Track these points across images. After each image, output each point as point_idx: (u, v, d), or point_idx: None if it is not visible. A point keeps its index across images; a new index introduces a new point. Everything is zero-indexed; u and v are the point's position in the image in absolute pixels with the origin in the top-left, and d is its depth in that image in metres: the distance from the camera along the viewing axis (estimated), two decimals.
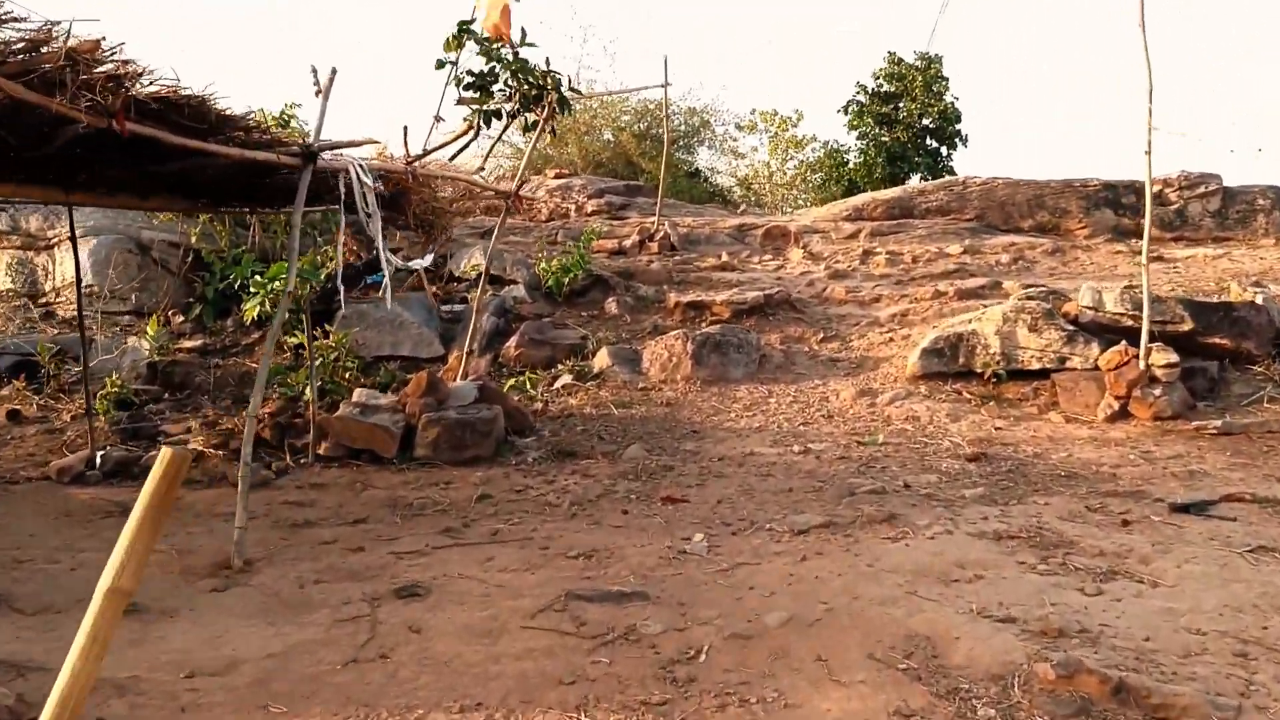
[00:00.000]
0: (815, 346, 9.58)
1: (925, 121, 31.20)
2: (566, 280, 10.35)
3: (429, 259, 6.48)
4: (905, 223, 13.52)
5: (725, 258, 12.42)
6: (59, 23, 3.50)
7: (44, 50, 3.43)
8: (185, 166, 4.96)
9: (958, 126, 31.15)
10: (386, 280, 5.88)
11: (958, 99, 31.09)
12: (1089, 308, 8.38)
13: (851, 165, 31.32)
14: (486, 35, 7.89)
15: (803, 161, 34.81)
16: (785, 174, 35.31)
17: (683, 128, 31.07)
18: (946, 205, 13.62)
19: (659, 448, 7.04)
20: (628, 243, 13.11)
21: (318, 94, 5.37)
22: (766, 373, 8.95)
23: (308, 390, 8.17)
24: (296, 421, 7.09)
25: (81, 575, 4.60)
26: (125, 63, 3.70)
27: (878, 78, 31.70)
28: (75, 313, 10.74)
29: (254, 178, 5.53)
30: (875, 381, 8.61)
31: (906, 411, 7.87)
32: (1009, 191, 13.56)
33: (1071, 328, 8.35)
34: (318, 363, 8.37)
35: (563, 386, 8.59)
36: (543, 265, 10.48)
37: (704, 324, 9.91)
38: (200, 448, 6.86)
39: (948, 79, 31.12)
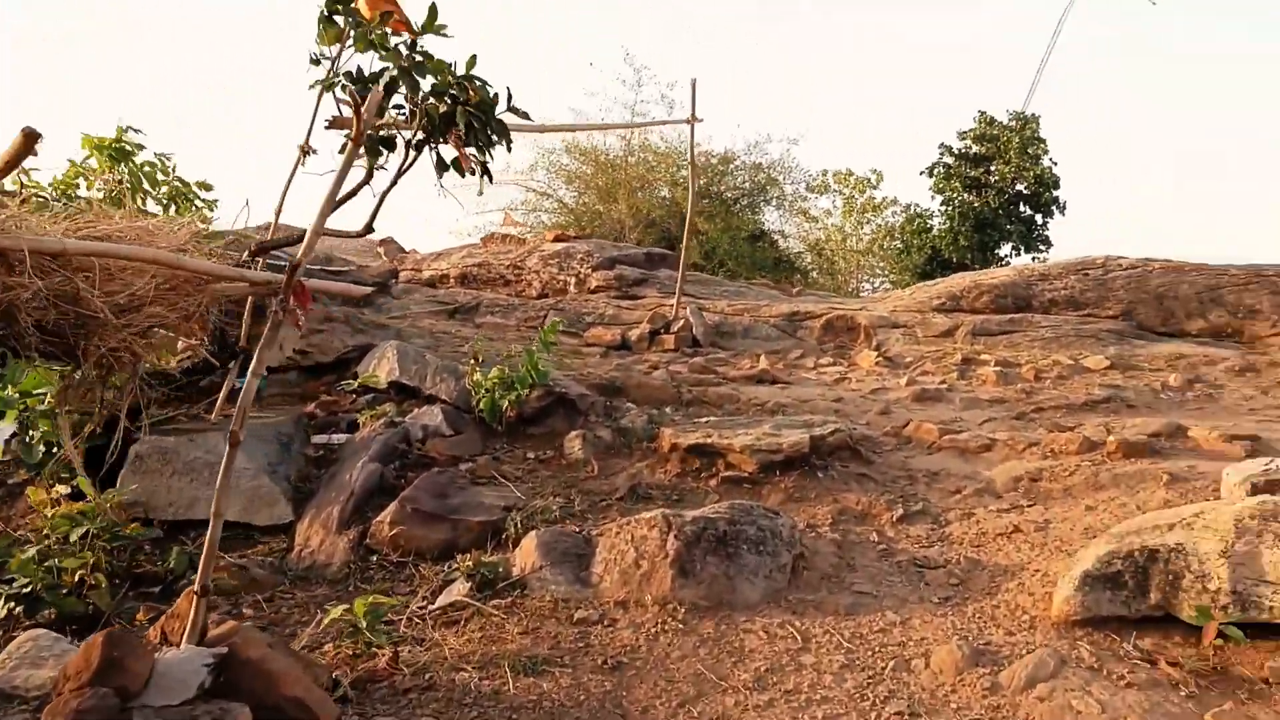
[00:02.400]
0: (890, 532, 5.86)
1: (1019, 186, 27.60)
2: (508, 401, 6.80)
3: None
4: (1021, 319, 9.77)
5: (764, 363, 8.79)
6: None
7: None
8: None
9: (1055, 193, 27.54)
10: None
11: (1056, 163, 27.54)
12: None
13: (935, 231, 27.76)
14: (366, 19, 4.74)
15: (880, 226, 31.30)
16: (861, 239, 31.76)
17: (747, 185, 27.82)
18: (1079, 295, 9.87)
19: None
20: (634, 334, 9.58)
21: None
22: (804, 589, 5.24)
23: None
24: None
25: None
26: None
27: (965, 138, 28.24)
28: None
29: None
30: (995, 626, 4.85)
31: (1060, 709, 4.11)
32: (1169, 280, 9.76)
33: None
34: (29, 553, 4.93)
35: (447, 607, 5.00)
36: (476, 376, 6.94)
37: (713, 482, 6.29)
38: None
39: (1045, 141, 27.59)
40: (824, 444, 6.56)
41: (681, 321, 9.56)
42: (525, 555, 5.34)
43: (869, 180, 30.90)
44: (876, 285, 31.70)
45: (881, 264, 30.96)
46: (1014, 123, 27.22)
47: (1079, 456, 6.42)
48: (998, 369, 8.42)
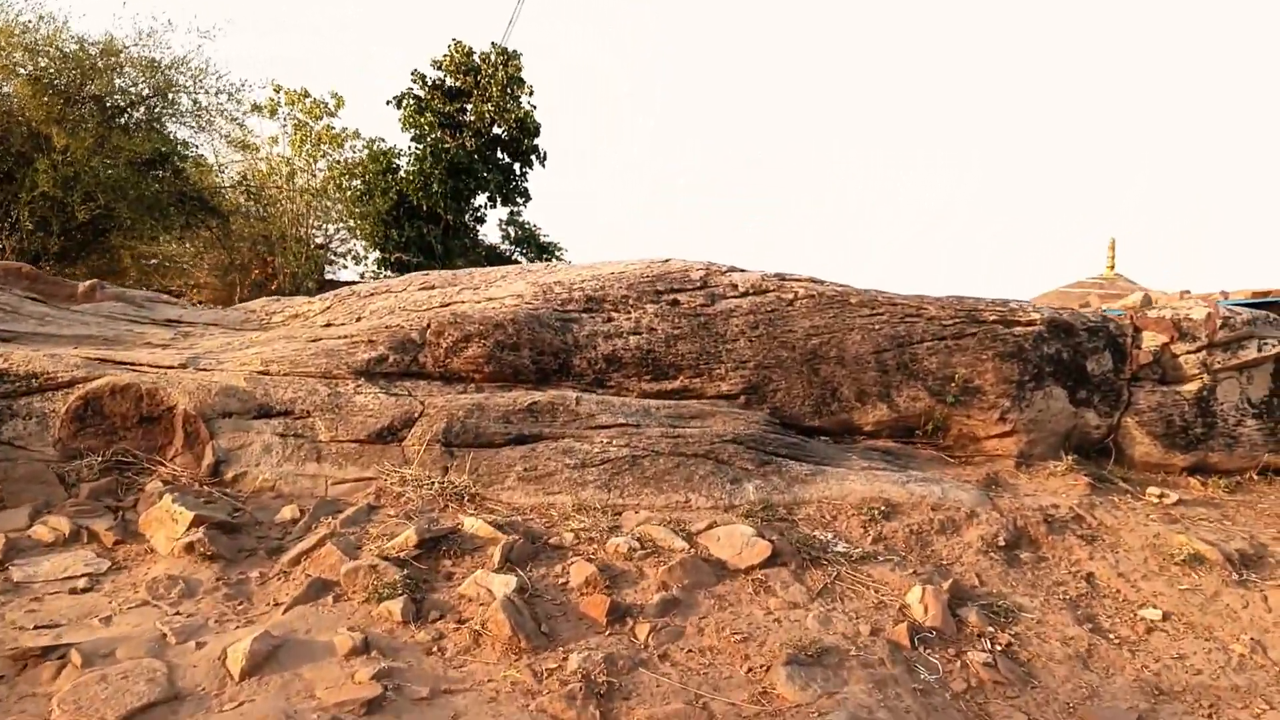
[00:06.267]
0: None
1: (497, 130, 23.58)
2: None
3: None
4: (551, 405, 4.44)
5: None
6: None
7: None
8: None
9: (535, 141, 23.98)
10: None
11: (536, 107, 23.99)
12: None
13: (404, 173, 22.69)
14: None
15: (339, 163, 25.31)
16: (314, 176, 25.45)
17: (143, 89, 19.82)
18: (665, 349, 4.79)
19: None
20: None
21: None
22: None
23: None
24: None
25: None
26: None
27: (440, 67, 23.50)
28: None
29: None
30: None
31: None
32: (828, 323, 5.02)
33: None
34: None
35: None
36: None
37: None
38: None
39: (526, 82, 23.78)
40: None
41: None
42: None
43: (326, 105, 24.51)
44: (332, 232, 25.72)
45: (339, 207, 24.90)
46: (497, 57, 22.73)
47: None
48: (508, 580, 3.03)
